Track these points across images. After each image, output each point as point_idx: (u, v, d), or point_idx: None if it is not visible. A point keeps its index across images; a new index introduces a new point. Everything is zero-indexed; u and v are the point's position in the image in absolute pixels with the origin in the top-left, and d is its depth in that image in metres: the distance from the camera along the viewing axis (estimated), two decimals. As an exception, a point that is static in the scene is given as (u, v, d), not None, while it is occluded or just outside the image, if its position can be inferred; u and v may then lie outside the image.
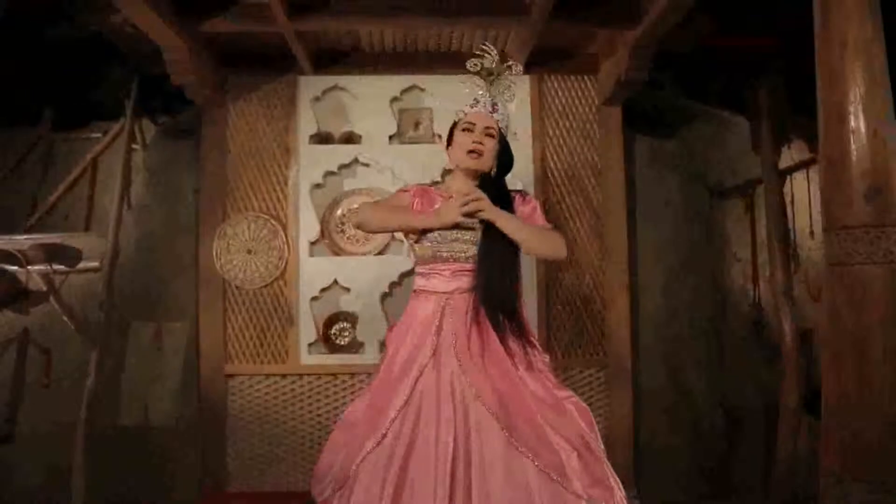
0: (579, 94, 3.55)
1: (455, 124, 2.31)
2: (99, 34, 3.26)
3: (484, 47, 2.29)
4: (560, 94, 3.53)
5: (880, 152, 1.70)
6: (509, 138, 3.23)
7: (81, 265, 3.61)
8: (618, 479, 2.03)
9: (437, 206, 2.24)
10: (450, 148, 2.33)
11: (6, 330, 3.60)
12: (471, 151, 2.22)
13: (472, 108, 2.27)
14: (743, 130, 3.96)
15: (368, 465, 2.02)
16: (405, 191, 2.35)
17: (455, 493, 1.92)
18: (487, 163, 2.25)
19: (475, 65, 2.27)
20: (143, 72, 3.63)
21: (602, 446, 2.08)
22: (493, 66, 2.27)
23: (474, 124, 2.23)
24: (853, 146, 1.70)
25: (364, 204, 2.67)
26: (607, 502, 1.95)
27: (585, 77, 3.54)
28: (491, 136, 2.24)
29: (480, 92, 2.27)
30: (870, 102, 1.71)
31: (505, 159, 2.32)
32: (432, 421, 2.02)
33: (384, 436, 2.03)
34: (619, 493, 2.00)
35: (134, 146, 3.79)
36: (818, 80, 1.79)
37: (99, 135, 3.87)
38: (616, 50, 3.23)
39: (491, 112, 2.25)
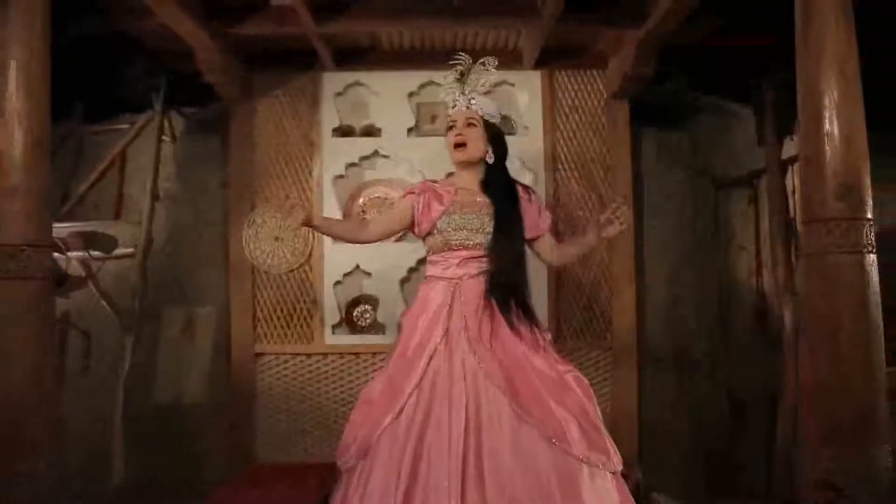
0: (588, 88, 3.74)
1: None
2: (123, 30, 3.45)
3: (458, 57, 2.55)
4: (570, 88, 3.73)
5: (852, 153, 1.91)
6: (519, 131, 3.49)
7: (117, 252, 3.89)
8: (615, 445, 2.26)
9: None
10: None
11: (48, 313, 3.90)
12: (456, 146, 2.48)
13: (452, 108, 2.53)
14: (749, 122, 4.14)
15: (387, 437, 2.26)
16: (411, 192, 2.60)
17: (468, 462, 2.16)
18: (477, 150, 2.50)
19: (446, 76, 2.56)
20: (170, 68, 3.85)
21: (600, 415, 2.30)
22: (464, 68, 2.53)
23: (455, 121, 2.49)
24: (828, 147, 1.92)
25: None
26: (604, 465, 2.18)
27: (594, 72, 3.73)
28: (472, 125, 2.48)
29: (456, 94, 2.54)
30: (843, 108, 1.92)
31: (498, 144, 2.56)
32: (445, 397, 2.26)
33: (401, 411, 2.28)
34: (616, 458, 2.23)
35: (164, 138, 4.03)
36: (798, 86, 2.01)
37: (126, 126, 4.10)
38: (623, 47, 3.42)
39: (468, 106, 2.49)
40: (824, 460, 1.87)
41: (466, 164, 2.54)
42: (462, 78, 2.54)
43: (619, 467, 2.25)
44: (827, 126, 1.92)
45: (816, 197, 1.94)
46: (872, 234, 1.90)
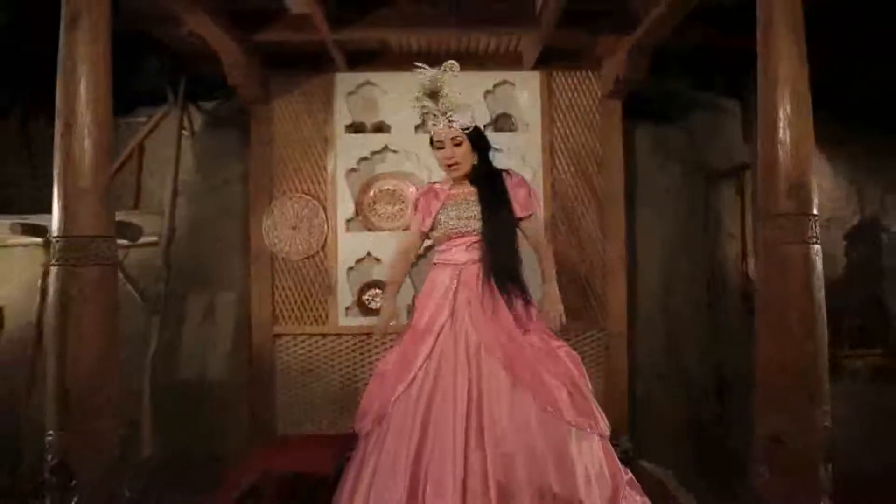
0: (584, 88, 4.11)
1: (431, 139, 2.86)
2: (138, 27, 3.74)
3: (417, 66, 2.80)
4: (566, 89, 4.10)
5: (801, 159, 2.29)
6: (520, 127, 3.84)
7: (142, 240, 4.26)
8: (602, 412, 2.64)
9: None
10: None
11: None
12: (448, 166, 2.82)
13: (433, 126, 2.80)
14: (739, 117, 4.54)
15: (400, 403, 2.66)
16: (414, 203, 3.00)
17: (470, 425, 2.55)
18: (466, 164, 2.83)
19: (419, 92, 2.80)
20: (189, 67, 4.20)
21: (589, 386, 2.69)
22: (433, 85, 2.76)
23: (442, 141, 2.79)
24: (781, 154, 2.29)
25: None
26: (592, 429, 2.57)
27: (590, 73, 4.10)
28: (459, 143, 2.78)
29: (435, 113, 2.78)
30: (795, 120, 2.29)
31: (480, 145, 2.86)
32: (451, 369, 2.65)
33: (412, 381, 2.67)
34: (603, 423, 2.62)
35: (183, 132, 4.39)
36: (759, 101, 2.38)
37: (143, 119, 4.46)
38: (616, 51, 3.77)
39: (449, 125, 2.76)
40: (774, 419, 2.27)
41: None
42: (435, 96, 2.76)
43: (607, 432, 2.63)
44: (781, 135, 2.29)
45: (770, 195, 2.31)
46: (817, 227, 2.28)
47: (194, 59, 4.01)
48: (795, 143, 2.28)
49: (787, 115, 2.29)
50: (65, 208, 2.24)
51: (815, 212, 2.29)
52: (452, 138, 2.78)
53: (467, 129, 2.79)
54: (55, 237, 2.24)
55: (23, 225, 4.14)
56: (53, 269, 2.23)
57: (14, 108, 4.63)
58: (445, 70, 2.77)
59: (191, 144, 4.47)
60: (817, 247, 2.29)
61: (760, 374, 2.35)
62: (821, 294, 2.29)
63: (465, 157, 2.82)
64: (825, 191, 4.61)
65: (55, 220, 2.25)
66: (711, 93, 4.59)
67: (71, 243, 2.22)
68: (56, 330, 2.22)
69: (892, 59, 3.97)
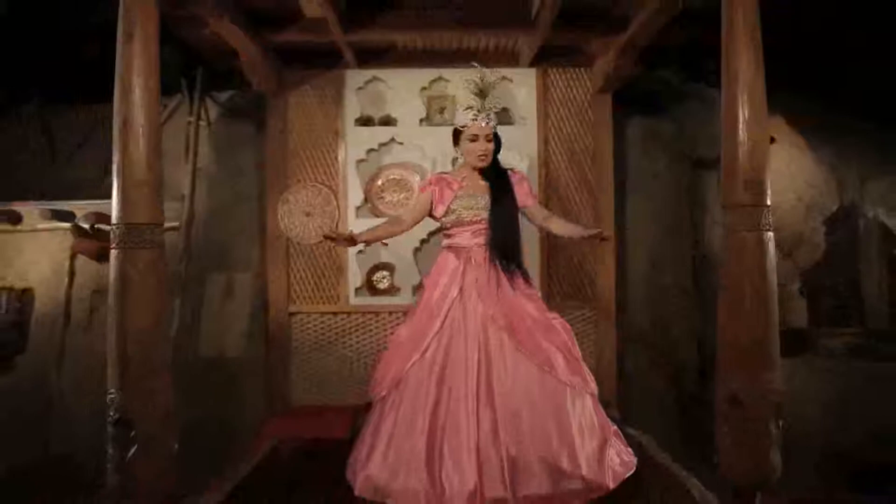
0: (577, 84, 4.54)
1: (459, 131, 3.28)
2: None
3: (474, 64, 3.26)
4: (561, 84, 4.54)
5: (757, 157, 2.73)
6: (517, 121, 4.29)
7: (164, 225, 4.69)
8: (591, 374, 3.12)
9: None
10: (457, 147, 3.34)
11: (105, 279, 4.69)
12: (480, 157, 3.25)
13: (472, 120, 3.21)
14: (724, 108, 4.95)
15: (415, 369, 3.08)
16: (427, 185, 3.39)
17: (480, 385, 2.99)
18: (490, 159, 3.28)
19: (468, 88, 3.24)
20: (204, 59, 4.59)
21: (579, 351, 3.14)
22: (483, 84, 3.21)
23: (478, 135, 3.23)
24: (740, 152, 2.73)
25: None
26: (583, 388, 3.04)
27: (582, 70, 4.53)
28: (489, 141, 3.25)
29: (479, 110, 3.21)
30: (752, 123, 2.72)
31: (497, 146, 3.33)
32: (462, 337, 3.09)
33: (426, 350, 3.11)
34: (593, 383, 3.09)
35: (200, 122, 4.81)
36: (721, 107, 2.83)
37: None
38: (608, 50, 4.19)
39: (487, 122, 3.21)
40: (733, 382, 2.72)
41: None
42: (483, 95, 3.22)
43: (596, 391, 3.10)
44: (740, 136, 2.72)
45: (730, 188, 2.75)
46: (770, 216, 2.72)
47: (210, 52, 4.37)
48: (752, 143, 2.72)
49: (745, 119, 2.73)
50: (124, 198, 2.67)
51: (768, 203, 2.73)
52: (487, 135, 3.23)
53: (496, 129, 3.26)
54: (115, 224, 2.68)
55: (52, 211, 4.59)
56: (113, 252, 2.67)
57: (32, 95, 5.00)
58: (494, 73, 3.25)
59: (207, 134, 4.86)
60: (770, 233, 2.73)
61: (721, 344, 2.81)
62: (773, 274, 2.73)
63: (491, 153, 3.28)
64: (807, 178, 5.06)
65: (114, 209, 2.67)
66: (699, 83, 4.98)
67: (130, 229, 2.65)
68: (116, 304, 2.65)
69: (874, 54, 4.40)
